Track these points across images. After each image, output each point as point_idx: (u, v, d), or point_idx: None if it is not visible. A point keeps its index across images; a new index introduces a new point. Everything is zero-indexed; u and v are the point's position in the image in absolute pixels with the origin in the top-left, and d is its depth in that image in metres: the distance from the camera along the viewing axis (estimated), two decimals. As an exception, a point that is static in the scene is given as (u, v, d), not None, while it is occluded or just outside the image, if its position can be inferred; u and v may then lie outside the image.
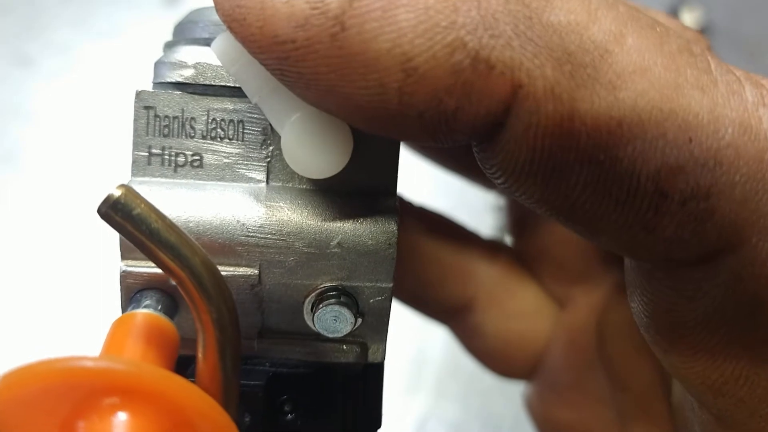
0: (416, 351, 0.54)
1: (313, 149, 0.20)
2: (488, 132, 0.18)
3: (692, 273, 0.19)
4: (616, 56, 0.17)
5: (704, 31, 0.67)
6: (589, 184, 0.18)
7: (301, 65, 0.17)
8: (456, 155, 0.35)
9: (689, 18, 0.67)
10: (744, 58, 0.65)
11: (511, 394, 0.35)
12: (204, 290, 0.19)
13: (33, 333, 0.56)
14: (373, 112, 0.18)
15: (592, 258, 0.32)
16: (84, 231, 0.59)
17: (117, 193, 0.18)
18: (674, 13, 0.68)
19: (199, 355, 0.20)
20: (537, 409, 0.34)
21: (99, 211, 0.18)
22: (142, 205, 0.19)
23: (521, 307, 0.33)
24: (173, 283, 0.21)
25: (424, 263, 0.32)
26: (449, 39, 0.17)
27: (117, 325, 0.20)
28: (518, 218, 0.34)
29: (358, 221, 0.22)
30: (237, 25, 0.18)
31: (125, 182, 0.22)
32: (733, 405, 0.20)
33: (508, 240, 0.36)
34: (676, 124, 0.17)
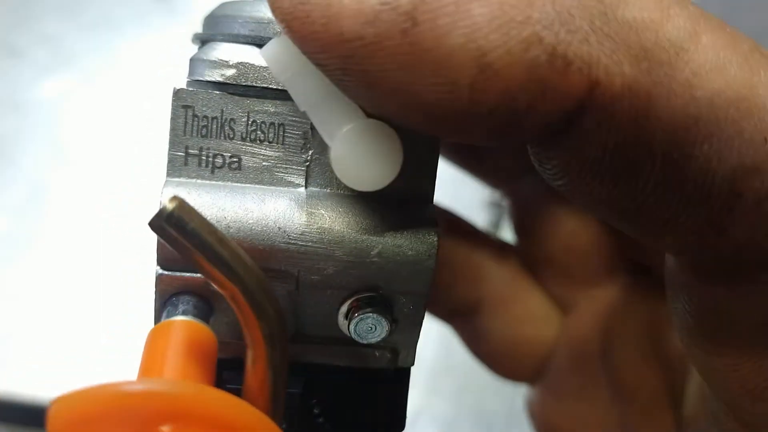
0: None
1: (364, 162, 0.20)
2: (557, 131, 0.18)
3: (757, 276, 0.19)
4: (692, 54, 0.17)
5: None
6: (660, 184, 0.18)
7: (367, 63, 0.17)
8: (464, 150, 0.34)
9: None
10: None
11: (504, 391, 0.36)
12: (256, 305, 0.19)
13: (40, 330, 0.56)
14: (441, 110, 0.17)
15: (597, 264, 0.32)
16: (73, 220, 0.58)
17: (170, 206, 0.18)
18: None
19: (248, 367, 0.19)
20: (539, 415, 0.34)
21: (152, 224, 0.18)
22: (196, 219, 0.18)
23: (528, 312, 0.33)
24: (210, 287, 0.21)
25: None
26: (525, 34, 0.16)
27: (155, 337, 0.20)
28: (522, 221, 0.34)
29: (398, 231, 0.22)
30: (298, 24, 0.17)
31: (167, 190, 0.21)
32: None
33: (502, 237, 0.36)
34: (752, 123, 0.17)
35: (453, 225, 0.33)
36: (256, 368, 0.19)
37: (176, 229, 0.18)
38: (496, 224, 0.65)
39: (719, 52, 0.17)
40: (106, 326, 0.53)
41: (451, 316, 0.35)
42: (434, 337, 0.51)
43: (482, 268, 0.33)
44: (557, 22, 0.16)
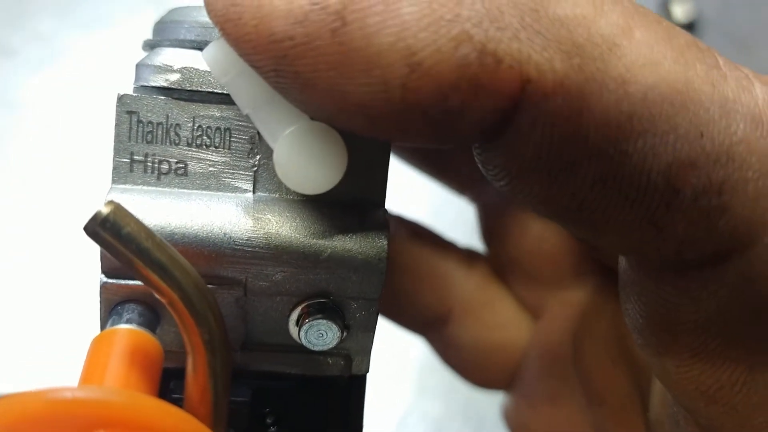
0: (398, 346, 0.54)
1: (307, 165, 0.20)
2: (493, 130, 0.18)
3: (700, 273, 0.19)
4: (624, 49, 0.17)
5: (694, 24, 0.67)
6: (597, 181, 0.18)
7: (299, 64, 0.17)
8: (429, 156, 0.34)
9: (680, 11, 0.67)
10: (734, 51, 0.66)
11: (494, 391, 0.35)
12: (195, 311, 0.18)
13: (10, 334, 0.55)
14: (376, 111, 0.17)
15: (565, 267, 0.32)
16: (64, 222, 0.58)
17: (105, 210, 0.18)
18: (665, 6, 0.68)
19: (189, 375, 0.19)
20: (513, 421, 0.34)
21: (86, 229, 0.18)
22: (132, 224, 0.18)
23: (498, 318, 0.33)
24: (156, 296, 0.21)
25: (401, 274, 0.32)
26: (454, 32, 0.16)
27: (98, 344, 0.20)
28: (489, 228, 0.34)
29: (347, 235, 0.22)
30: (231, 26, 0.17)
31: (111, 197, 0.21)
32: (725, 413, 0.20)
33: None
34: (687, 118, 0.17)
35: (417, 234, 0.33)
36: (196, 375, 0.19)
37: (111, 234, 0.18)
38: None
39: (653, 47, 0.17)
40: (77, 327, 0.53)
41: (421, 327, 0.34)
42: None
43: (449, 277, 0.33)
44: (487, 20, 0.16)
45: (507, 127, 0.17)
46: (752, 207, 0.18)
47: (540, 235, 0.32)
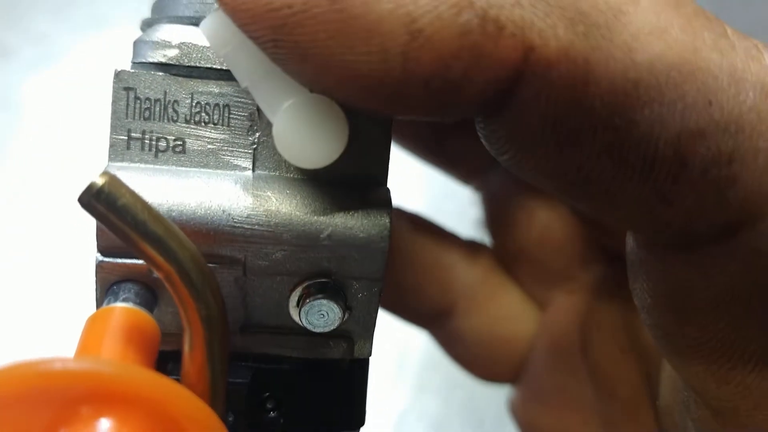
0: (398, 343, 0.53)
1: (307, 137, 0.19)
2: (496, 101, 0.17)
3: (709, 248, 0.18)
4: (630, 16, 0.17)
5: None
6: (604, 152, 0.17)
7: (297, 33, 0.16)
8: (432, 144, 0.34)
9: None
10: None
11: (494, 388, 0.35)
12: (192, 286, 0.18)
13: (9, 334, 0.55)
14: (376, 82, 0.17)
15: (572, 256, 0.32)
16: (62, 219, 0.57)
17: (100, 181, 0.17)
18: None
19: (186, 352, 0.19)
20: (521, 415, 0.34)
21: (81, 200, 0.17)
22: (128, 195, 0.17)
23: (503, 310, 0.33)
24: (153, 275, 0.20)
25: (403, 267, 0.31)
26: None
27: (93, 322, 0.19)
28: (494, 217, 0.33)
29: (349, 213, 0.21)
30: None
31: (107, 169, 0.21)
32: (738, 394, 0.20)
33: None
34: (695, 86, 0.17)
35: (419, 227, 0.33)
36: (193, 353, 0.18)
37: (106, 206, 0.17)
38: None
39: (660, 14, 0.17)
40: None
41: (425, 320, 0.34)
42: (423, 333, 0.51)
43: (452, 269, 0.32)
44: None
45: (510, 97, 0.17)
46: (763, 177, 0.17)
47: (546, 224, 0.32)
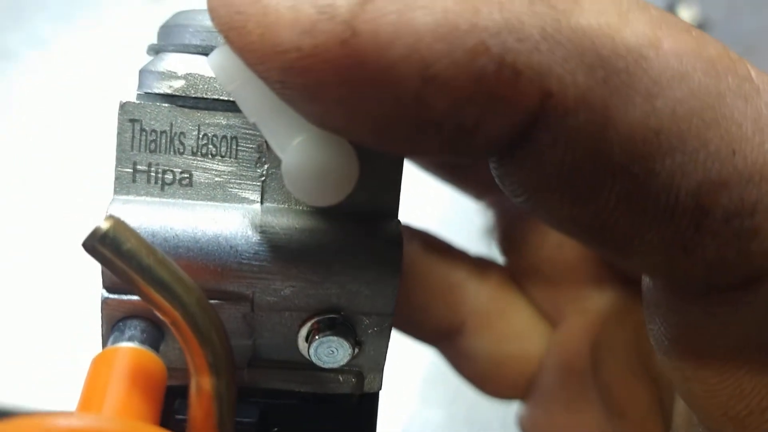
0: (402, 354, 0.53)
1: (316, 176, 0.19)
2: (510, 145, 0.17)
3: (730, 296, 0.18)
4: (652, 61, 0.16)
5: (701, 27, 0.67)
6: (622, 201, 0.17)
7: (306, 76, 0.16)
8: (445, 161, 0.33)
9: (686, 14, 0.66)
10: (741, 54, 0.65)
11: (498, 401, 0.35)
12: (198, 331, 0.17)
13: (9, 338, 0.55)
14: (387, 126, 0.16)
15: (585, 275, 0.31)
16: (63, 221, 0.57)
17: (105, 225, 0.17)
18: (671, 9, 0.67)
19: (192, 397, 0.18)
20: (529, 431, 0.33)
21: (85, 245, 0.17)
22: (133, 239, 0.17)
23: (513, 328, 0.32)
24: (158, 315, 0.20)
25: (412, 285, 0.31)
26: (471, 43, 0.15)
27: (98, 364, 0.19)
28: (507, 234, 0.33)
29: (359, 248, 0.21)
30: (235, 34, 0.16)
31: (113, 208, 0.20)
32: None
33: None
34: (718, 134, 0.16)
35: (428, 244, 0.32)
36: (200, 398, 0.18)
37: (111, 250, 0.17)
38: (493, 231, 0.63)
39: (682, 58, 0.16)
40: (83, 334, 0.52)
41: (435, 338, 0.33)
42: (426, 347, 0.50)
43: (463, 287, 0.32)
44: (505, 30, 0.15)
45: (526, 141, 0.16)
46: None
47: (559, 242, 0.31)
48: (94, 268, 0.20)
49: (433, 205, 0.56)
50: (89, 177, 0.58)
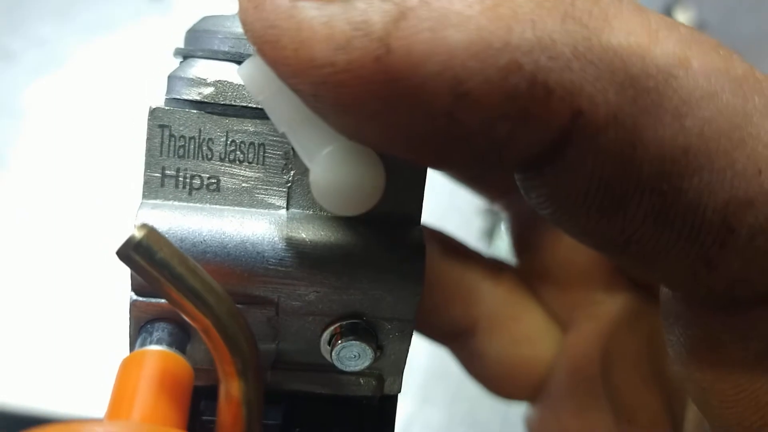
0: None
1: (344, 186, 0.19)
2: (539, 160, 0.17)
3: (751, 312, 0.18)
4: (681, 81, 0.16)
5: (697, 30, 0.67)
6: (649, 217, 0.17)
7: (340, 91, 0.16)
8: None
9: (683, 17, 0.66)
10: None
11: (497, 401, 0.35)
12: (229, 340, 0.18)
13: (16, 328, 0.55)
14: (419, 140, 0.16)
15: (597, 281, 0.31)
16: (64, 222, 0.58)
17: (139, 234, 0.17)
18: (668, 12, 0.67)
19: (221, 402, 0.19)
20: None
21: (119, 253, 0.17)
22: (165, 248, 0.17)
23: (525, 331, 0.32)
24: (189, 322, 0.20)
25: (427, 285, 0.31)
26: (504, 61, 0.15)
27: (126, 368, 0.19)
28: (521, 237, 0.33)
29: (383, 255, 0.21)
30: (269, 48, 0.17)
31: (142, 212, 0.20)
32: None
33: (496, 246, 0.35)
34: (745, 154, 0.16)
35: (445, 245, 0.32)
36: (229, 404, 0.18)
37: (144, 259, 0.17)
38: (491, 232, 0.64)
39: (711, 78, 0.16)
40: (101, 337, 0.53)
41: (447, 338, 0.34)
42: (427, 345, 0.51)
43: (476, 289, 0.32)
44: (538, 48, 0.16)
45: (555, 157, 0.17)
46: None
47: (572, 247, 0.31)
48: (120, 271, 0.21)
49: (432, 205, 0.56)
50: (92, 177, 0.59)
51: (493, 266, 0.33)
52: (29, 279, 0.57)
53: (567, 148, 0.16)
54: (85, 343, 0.54)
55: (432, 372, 0.54)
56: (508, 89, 0.16)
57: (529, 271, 0.33)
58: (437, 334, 0.33)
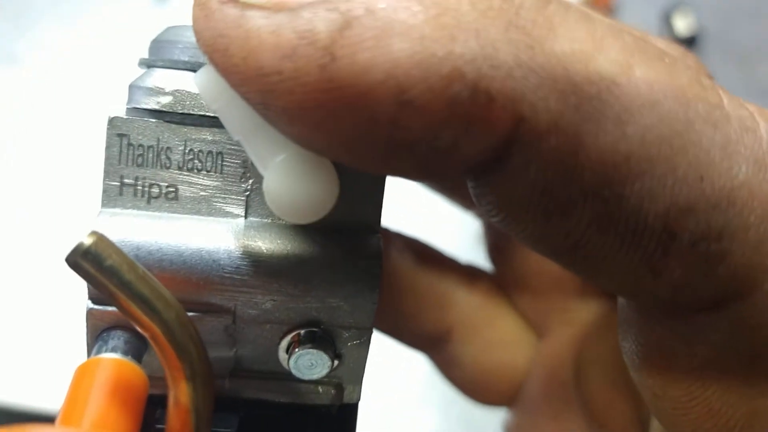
0: (398, 358, 0.53)
1: (297, 194, 0.19)
2: (485, 167, 0.17)
3: (696, 317, 0.18)
4: (623, 88, 0.16)
5: (696, 38, 0.67)
6: (592, 223, 0.17)
7: (286, 98, 0.16)
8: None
9: (682, 24, 0.67)
10: (735, 65, 0.66)
11: (496, 408, 0.35)
12: (177, 346, 0.18)
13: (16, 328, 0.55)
14: (363, 148, 0.17)
15: (569, 290, 0.32)
16: (66, 223, 0.58)
17: (88, 241, 0.17)
18: (667, 18, 0.68)
19: (171, 409, 0.19)
20: None
21: (68, 260, 0.17)
22: (114, 255, 0.17)
23: (500, 336, 0.33)
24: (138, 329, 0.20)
25: (401, 292, 0.31)
26: (446, 70, 0.16)
27: (80, 375, 0.19)
28: (495, 244, 0.33)
29: (339, 263, 0.21)
30: (219, 56, 0.17)
31: (100, 220, 0.21)
32: None
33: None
34: (686, 160, 0.17)
35: (419, 252, 0.33)
36: (178, 410, 0.18)
37: (93, 266, 0.17)
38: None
39: (653, 86, 0.17)
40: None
41: (423, 344, 0.34)
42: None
43: (450, 295, 0.32)
44: (480, 57, 0.16)
45: (499, 165, 0.17)
46: (753, 253, 0.17)
47: None
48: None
49: (427, 210, 0.56)
50: (92, 181, 0.59)
51: (468, 273, 0.33)
52: (22, 279, 0.57)
53: (510, 155, 0.17)
54: (71, 340, 0.54)
55: (427, 375, 0.54)
56: (450, 97, 0.16)
57: (504, 278, 0.33)
58: (413, 340, 0.34)
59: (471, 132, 0.16)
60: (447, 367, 0.34)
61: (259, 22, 0.16)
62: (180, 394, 0.18)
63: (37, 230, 0.59)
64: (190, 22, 0.23)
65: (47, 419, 0.17)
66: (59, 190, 0.61)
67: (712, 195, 0.17)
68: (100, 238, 0.17)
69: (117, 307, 0.18)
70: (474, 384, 0.34)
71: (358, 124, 0.16)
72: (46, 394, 0.53)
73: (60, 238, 0.58)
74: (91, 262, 0.17)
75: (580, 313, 0.31)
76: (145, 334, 0.18)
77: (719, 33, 0.68)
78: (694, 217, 0.17)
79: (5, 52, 0.66)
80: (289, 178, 0.19)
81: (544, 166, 0.16)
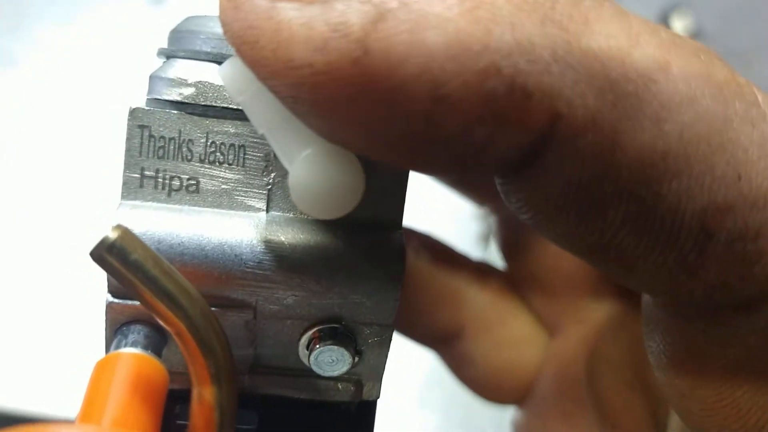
0: (399, 359, 0.53)
1: (323, 190, 0.19)
2: (518, 164, 0.17)
3: (730, 318, 0.18)
4: (661, 85, 0.16)
5: (694, 38, 0.67)
6: (627, 222, 0.17)
7: (317, 92, 0.16)
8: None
9: (679, 25, 0.67)
10: (733, 65, 0.65)
11: (493, 406, 0.35)
12: (202, 343, 0.18)
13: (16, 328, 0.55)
14: (396, 143, 0.16)
15: (584, 286, 0.31)
16: (66, 223, 0.58)
17: (113, 235, 0.17)
18: (665, 19, 0.67)
19: (194, 406, 0.18)
20: None
21: (92, 254, 0.17)
22: (140, 250, 0.17)
23: (512, 334, 0.32)
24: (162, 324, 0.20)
25: (414, 289, 0.31)
26: (482, 65, 0.15)
27: (100, 370, 0.19)
28: (508, 241, 0.33)
29: (362, 259, 0.21)
30: (248, 49, 0.16)
31: (120, 212, 0.20)
32: None
33: (492, 251, 0.35)
34: (724, 159, 0.16)
35: (432, 249, 0.32)
36: (201, 408, 0.18)
37: (118, 260, 0.17)
38: (487, 236, 0.64)
39: (691, 83, 0.16)
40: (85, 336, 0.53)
41: (434, 342, 0.34)
42: (424, 350, 0.51)
43: (463, 292, 0.32)
44: (516, 52, 0.15)
45: (534, 160, 0.17)
46: None
47: (560, 252, 0.31)
48: (100, 272, 0.20)
49: (429, 209, 0.56)
50: (92, 181, 0.59)
51: (480, 270, 0.33)
52: (21, 279, 0.57)
53: (545, 152, 0.16)
54: (74, 344, 0.54)
55: (428, 376, 0.54)
56: (486, 92, 0.15)
57: (516, 276, 0.33)
58: (425, 337, 0.33)
59: (506, 129, 0.16)
60: (458, 365, 0.34)
61: (290, 14, 0.16)
62: (204, 392, 0.18)
63: (37, 230, 0.59)
64: (204, 10, 0.23)
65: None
66: (59, 190, 0.60)
67: (750, 194, 0.16)
68: (126, 232, 0.17)
69: (141, 302, 0.17)
70: (485, 382, 0.33)
71: (391, 120, 0.16)
72: (46, 396, 0.53)
73: (59, 240, 0.58)
74: (116, 256, 0.17)
75: (593, 312, 0.31)
76: (170, 330, 0.18)
77: (717, 34, 0.68)
78: (732, 217, 0.16)
79: (2, 53, 0.66)
80: (316, 173, 0.19)
81: (579, 164, 0.16)
